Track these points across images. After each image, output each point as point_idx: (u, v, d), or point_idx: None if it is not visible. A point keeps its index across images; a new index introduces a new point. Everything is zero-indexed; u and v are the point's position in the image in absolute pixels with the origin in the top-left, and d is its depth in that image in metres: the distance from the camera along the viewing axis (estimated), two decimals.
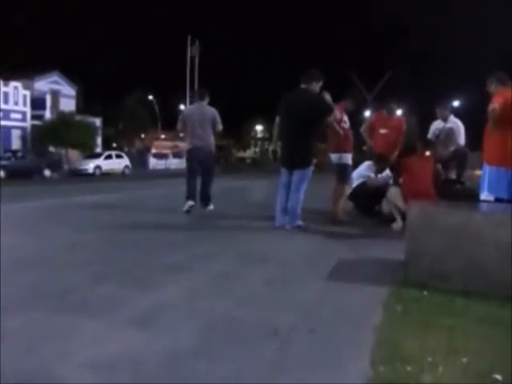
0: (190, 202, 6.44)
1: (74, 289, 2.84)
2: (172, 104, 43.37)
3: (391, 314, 2.45)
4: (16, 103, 26.73)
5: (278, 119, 5.58)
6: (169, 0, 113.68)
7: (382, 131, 6.55)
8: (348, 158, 6.11)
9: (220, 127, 6.68)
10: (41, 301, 2.61)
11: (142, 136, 47.30)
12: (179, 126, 6.74)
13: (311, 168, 5.32)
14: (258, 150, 67.09)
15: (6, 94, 26.11)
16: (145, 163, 35.08)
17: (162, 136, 48.41)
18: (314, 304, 2.67)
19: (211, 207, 6.69)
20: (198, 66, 35.99)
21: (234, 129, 47.23)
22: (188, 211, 6.38)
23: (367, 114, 40.64)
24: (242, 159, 58.36)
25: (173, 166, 36.85)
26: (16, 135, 26.79)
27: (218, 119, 6.65)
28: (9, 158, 20.39)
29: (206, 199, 6.67)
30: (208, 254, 3.95)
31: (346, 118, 6.13)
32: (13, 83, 26.53)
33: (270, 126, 48.69)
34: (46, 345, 2.01)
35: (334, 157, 6.11)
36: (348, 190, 6.33)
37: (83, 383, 1.68)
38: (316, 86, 5.35)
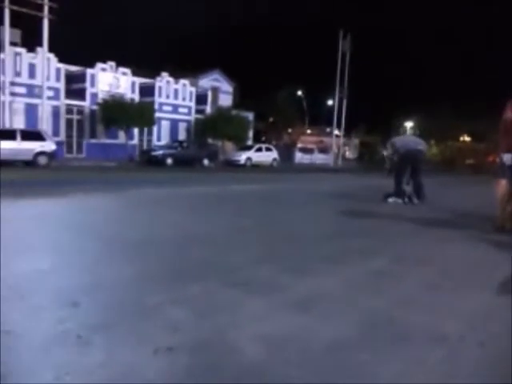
0: (398, 200, 7.74)
1: (239, 267, 3.12)
2: (319, 100, 43.69)
3: None
4: (184, 99, 30.04)
5: None
6: None
7: None
8: None
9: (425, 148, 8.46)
10: (212, 274, 2.93)
11: (290, 130, 48.72)
12: (389, 150, 8.34)
13: None
14: None
15: (176, 91, 29.56)
16: (291, 157, 36.09)
17: (309, 131, 49.13)
18: (483, 317, 2.45)
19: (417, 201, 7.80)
20: (349, 61, 35.42)
21: (382, 125, 45.26)
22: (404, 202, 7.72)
23: None
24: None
25: (318, 161, 37.16)
26: (182, 127, 30.20)
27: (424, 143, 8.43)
28: (176, 148, 23.07)
29: (419, 194, 7.85)
30: (362, 250, 3.93)
31: None
32: (182, 81, 29.84)
33: (422, 121, 45.44)
34: (219, 314, 2.25)
35: (506, 157, 5.44)
36: None
37: (257, 353, 1.85)
38: None
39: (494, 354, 1.95)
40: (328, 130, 43.10)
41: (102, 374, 1.62)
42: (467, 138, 47.50)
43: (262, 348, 1.88)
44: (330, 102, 40.13)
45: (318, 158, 38.06)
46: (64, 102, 24.09)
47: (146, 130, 27.14)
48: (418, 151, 8.14)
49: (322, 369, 1.74)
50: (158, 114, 26.63)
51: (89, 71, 25.28)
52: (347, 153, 49.67)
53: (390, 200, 7.82)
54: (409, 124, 60.04)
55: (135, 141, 26.83)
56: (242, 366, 1.72)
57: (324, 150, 40.18)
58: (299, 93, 44.27)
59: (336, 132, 37.97)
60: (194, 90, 30.80)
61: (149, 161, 21.32)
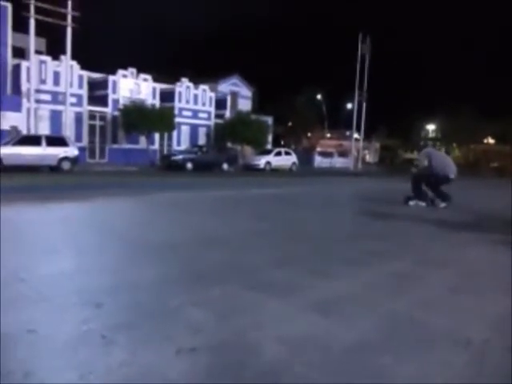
0: (420, 203, 7.71)
1: (258, 269, 3.13)
2: (339, 103, 43.47)
3: None
4: (203, 104, 30.33)
5: None
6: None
7: None
8: None
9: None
10: (232, 276, 2.94)
11: (309, 134, 48.60)
12: (422, 160, 7.87)
13: None
14: None
15: (195, 96, 29.86)
16: (310, 161, 35.97)
17: (328, 135, 48.88)
18: (508, 320, 2.39)
19: (443, 205, 7.65)
20: (369, 64, 35.14)
21: (403, 128, 44.68)
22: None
23: None
24: (410, 160, 54.84)
25: (337, 165, 36.92)
26: (202, 132, 30.47)
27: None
28: (196, 153, 23.26)
29: (443, 197, 7.74)
30: (380, 252, 3.89)
31: None
32: (202, 86, 30.14)
33: (444, 124, 44.72)
34: (239, 316, 2.26)
35: None
36: None
37: (277, 355, 1.85)
38: None
39: None
40: (348, 133, 42.79)
41: (124, 373, 1.64)
42: (491, 140, 46.47)
43: (285, 349, 1.88)
44: (349, 106, 39.89)
45: (338, 162, 37.83)
46: (87, 108, 24.61)
47: (166, 135, 27.46)
48: (450, 179, 7.77)
49: (343, 371, 1.72)
50: (178, 119, 26.93)
51: (111, 78, 25.76)
52: (367, 156, 49.19)
53: (411, 203, 7.71)
54: (430, 127, 59.28)
55: (156, 146, 27.17)
56: (262, 367, 1.72)
57: (344, 153, 39.89)
58: (318, 96, 44.13)
59: (356, 135, 37.67)
60: (213, 95, 31.05)
61: (169, 165, 21.55)
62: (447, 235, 5.00)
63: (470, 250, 4.28)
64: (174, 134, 28.10)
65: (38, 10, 20.64)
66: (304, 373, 1.69)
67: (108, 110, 25.61)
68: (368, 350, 1.90)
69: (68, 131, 21.76)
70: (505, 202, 8.49)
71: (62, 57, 22.69)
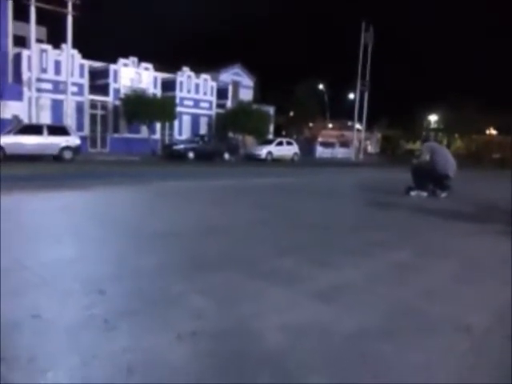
0: (422, 193, 7.73)
1: (261, 258, 3.14)
2: (341, 93, 43.21)
3: None
4: (205, 93, 30.17)
5: None
6: None
7: None
8: None
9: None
10: (234, 264, 2.96)
11: (310, 125, 48.41)
12: (424, 154, 7.83)
13: None
14: None
15: (197, 85, 29.70)
16: (312, 151, 35.87)
17: (330, 125, 48.69)
18: (506, 310, 2.40)
19: (444, 194, 7.72)
20: (371, 53, 34.86)
21: (404, 118, 44.47)
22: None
23: None
24: (411, 151, 54.67)
25: (339, 155, 36.84)
26: (203, 122, 30.35)
27: None
28: (197, 142, 23.19)
29: (444, 187, 7.80)
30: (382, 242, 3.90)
31: None
32: (203, 75, 29.94)
33: (446, 114, 44.46)
34: (242, 303, 2.27)
35: None
36: None
37: (278, 343, 1.86)
38: None
39: None
40: (349, 123, 42.63)
41: (127, 357, 1.66)
42: (493, 131, 46.27)
43: (286, 337, 1.89)
44: (351, 96, 39.66)
45: (339, 152, 37.75)
46: (88, 97, 24.51)
47: (167, 124, 27.37)
48: (449, 177, 7.79)
49: (344, 358, 1.74)
50: (179, 109, 26.82)
51: (112, 67, 25.60)
52: (369, 147, 49.06)
53: (413, 193, 7.70)
54: (433, 117, 58.87)
55: (157, 135, 27.10)
56: (262, 354, 1.74)
57: (345, 144, 39.79)
58: (320, 86, 43.86)
59: (357, 126, 37.52)
60: (214, 84, 30.87)
61: (171, 155, 21.51)
62: (449, 225, 5.01)
63: (472, 239, 4.29)
64: (176, 123, 28.00)
65: None
66: (305, 360, 1.71)
67: (109, 99, 25.49)
68: (371, 338, 1.92)
69: (69, 120, 21.70)
70: (506, 194, 8.48)
71: (63, 45, 22.53)
